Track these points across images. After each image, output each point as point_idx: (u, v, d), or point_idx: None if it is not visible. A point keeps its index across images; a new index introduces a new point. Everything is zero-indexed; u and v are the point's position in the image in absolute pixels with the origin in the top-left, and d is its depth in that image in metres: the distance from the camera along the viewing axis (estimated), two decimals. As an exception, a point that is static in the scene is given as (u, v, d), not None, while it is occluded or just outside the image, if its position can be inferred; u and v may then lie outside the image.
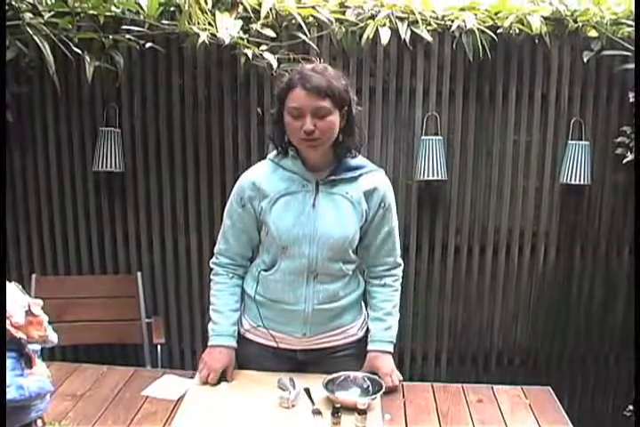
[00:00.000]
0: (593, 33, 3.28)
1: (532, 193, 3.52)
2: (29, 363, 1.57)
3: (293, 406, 2.05)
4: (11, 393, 1.46)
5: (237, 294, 2.33)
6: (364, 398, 2.01)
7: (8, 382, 1.47)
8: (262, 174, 2.20)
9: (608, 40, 3.25)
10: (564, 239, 3.57)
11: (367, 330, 2.38)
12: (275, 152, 2.23)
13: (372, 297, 2.35)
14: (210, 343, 2.28)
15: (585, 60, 3.26)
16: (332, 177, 2.16)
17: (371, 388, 2.11)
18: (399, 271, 2.38)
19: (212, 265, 2.35)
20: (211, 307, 2.32)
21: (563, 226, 3.55)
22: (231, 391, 2.17)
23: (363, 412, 1.93)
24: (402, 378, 2.29)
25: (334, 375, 2.15)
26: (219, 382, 2.21)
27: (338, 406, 1.94)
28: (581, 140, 3.36)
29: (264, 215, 2.16)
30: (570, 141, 3.36)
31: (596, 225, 3.55)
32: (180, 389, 2.18)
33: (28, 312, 1.54)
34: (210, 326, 2.30)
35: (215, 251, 2.34)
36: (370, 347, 2.30)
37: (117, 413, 2.02)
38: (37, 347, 1.59)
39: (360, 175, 2.19)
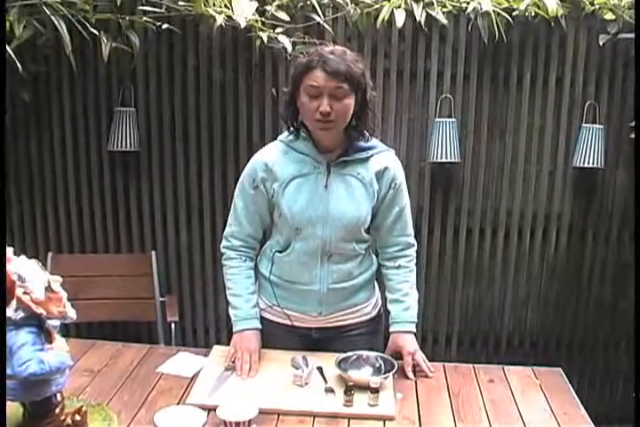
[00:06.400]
0: (610, 16, 3.24)
1: (544, 176, 3.50)
2: (49, 338, 1.60)
3: (306, 384, 2.07)
4: (32, 367, 1.48)
5: (252, 276, 2.33)
6: (376, 377, 2.03)
7: (29, 356, 1.49)
8: (274, 156, 2.19)
9: (625, 23, 3.21)
10: (576, 223, 3.56)
11: (381, 309, 2.43)
12: (286, 133, 2.23)
13: (388, 280, 2.35)
14: (237, 329, 2.26)
15: (601, 43, 3.21)
16: (344, 158, 2.16)
17: (383, 367, 2.13)
18: (413, 252, 2.37)
19: (223, 249, 2.34)
20: (228, 292, 2.32)
21: (575, 210, 3.54)
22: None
23: (375, 391, 1.95)
24: (425, 358, 2.27)
25: (347, 354, 2.17)
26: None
27: (350, 384, 1.97)
28: (595, 123, 3.34)
29: (276, 197, 2.17)
30: (584, 125, 3.34)
31: (609, 209, 3.53)
32: (194, 366, 2.21)
33: (48, 289, 1.57)
34: (232, 311, 2.29)
35: (226, 234, 2.33)
36: (391, 329, 2.31)
37: (133, 389, 2.06)
38: (57, 323, 1.62)
39: (371, 156, 2.20)
